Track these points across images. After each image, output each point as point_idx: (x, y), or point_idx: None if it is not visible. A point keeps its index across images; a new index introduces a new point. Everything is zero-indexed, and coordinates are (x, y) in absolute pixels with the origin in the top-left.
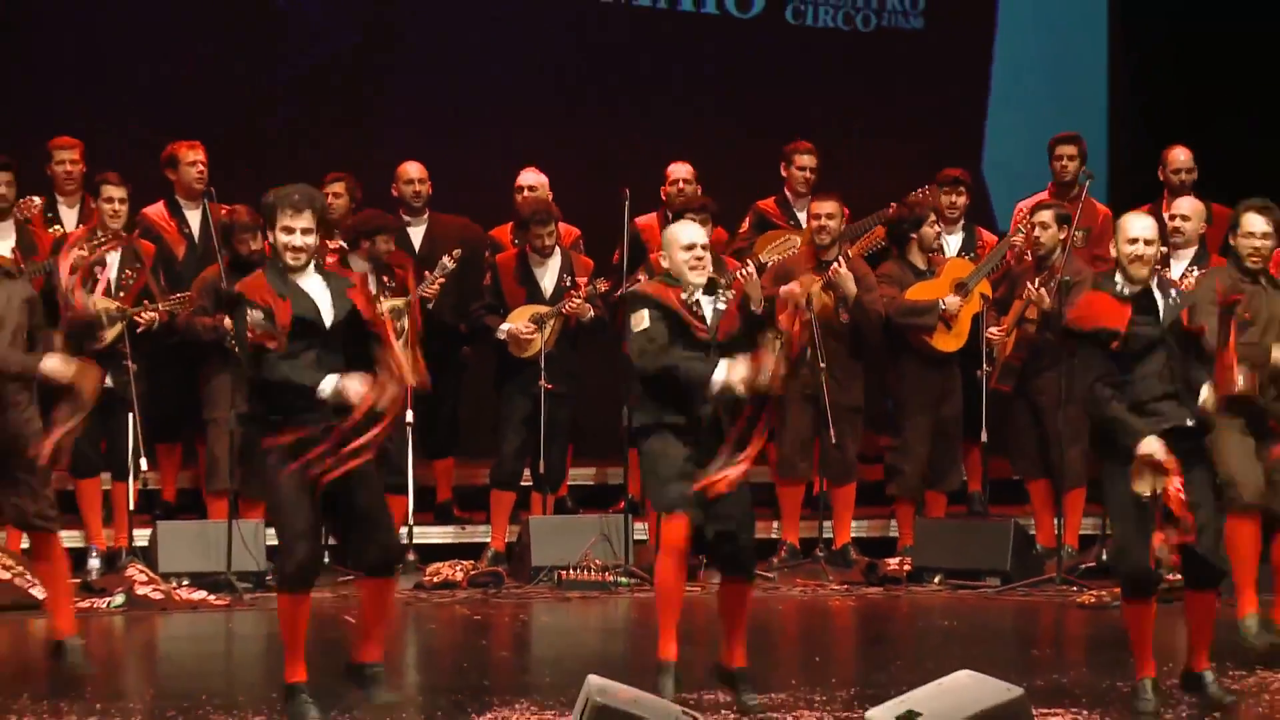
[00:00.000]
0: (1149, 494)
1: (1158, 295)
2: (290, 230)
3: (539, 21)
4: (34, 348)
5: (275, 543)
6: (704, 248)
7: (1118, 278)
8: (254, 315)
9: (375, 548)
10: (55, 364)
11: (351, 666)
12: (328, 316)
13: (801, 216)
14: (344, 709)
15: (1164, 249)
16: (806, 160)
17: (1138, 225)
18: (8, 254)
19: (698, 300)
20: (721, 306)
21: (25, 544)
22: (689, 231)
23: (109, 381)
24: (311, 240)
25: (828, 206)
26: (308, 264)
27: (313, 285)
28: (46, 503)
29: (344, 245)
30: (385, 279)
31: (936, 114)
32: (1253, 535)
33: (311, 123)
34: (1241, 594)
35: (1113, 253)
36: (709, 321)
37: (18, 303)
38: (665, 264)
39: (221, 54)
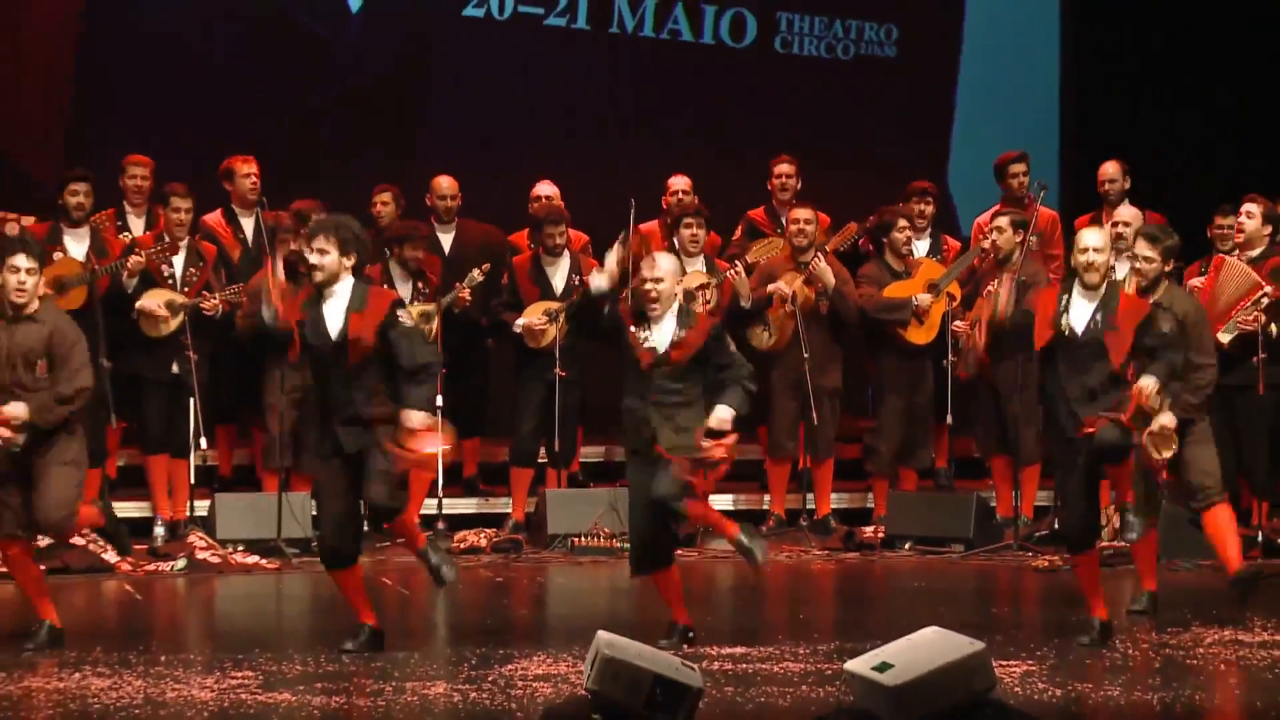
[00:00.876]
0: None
1: (1074, 301)
2: (310, 252)
3: (556, 50)
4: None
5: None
6: (671, 276)
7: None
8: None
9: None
10: None
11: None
12: (335, 333)
13: (787, 223)
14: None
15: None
16: (782, 169)
17: (1089, 237)
18: (82, 257)
19: (646, 337)
20: (682, 334)
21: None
22: (660, 264)
23: (175, 369)
24: (328, 260)
25: (805, 214)
26: (329, 280)
27: (335, 305)
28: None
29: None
30: (420, 285)
31: (907, 132)
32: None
33: (354, 139)
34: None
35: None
36: (658, 352)
37: (37, 342)
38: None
39: (275, 79)
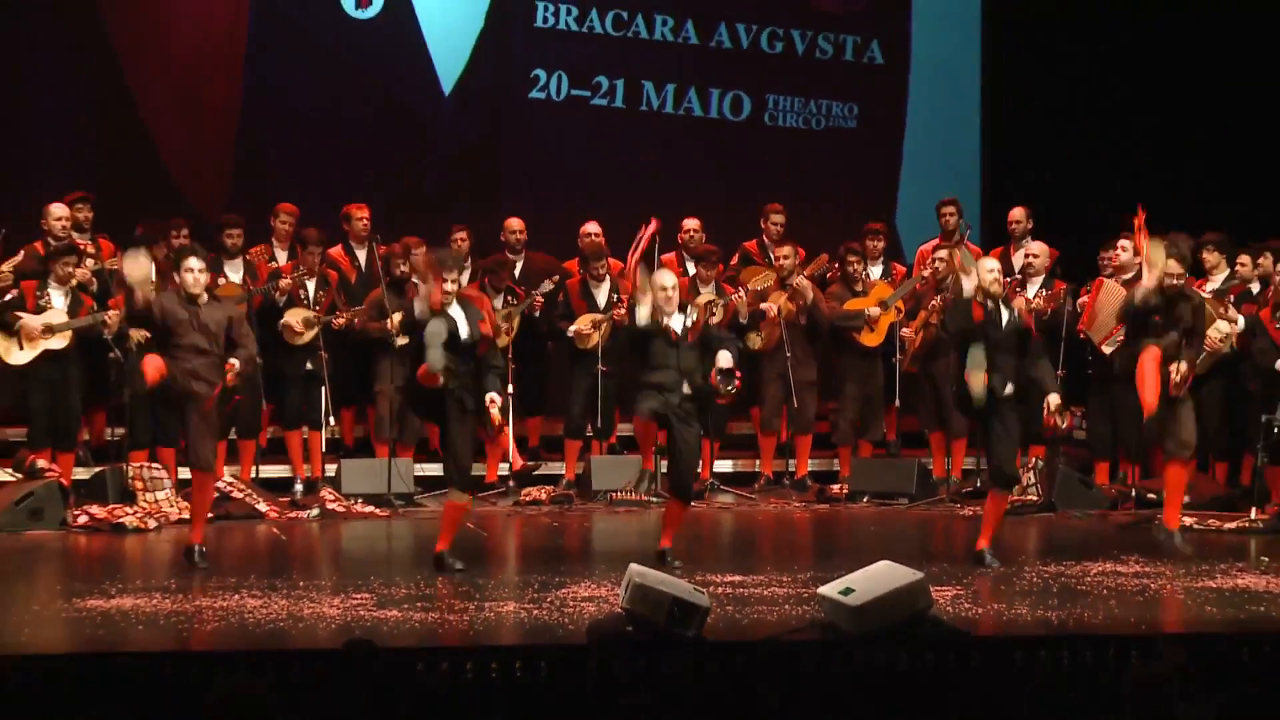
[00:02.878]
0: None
1: (1004, 310)
2: (451, 282)
3: (599, 122)
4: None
5: (420, 473)
6: (674, 288)
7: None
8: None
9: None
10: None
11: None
12: (464, 334)
13: (774, 256)
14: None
15: (1018, 276)
16: (776, 217)
17: (991, 264)
18: (238, 281)
19: (669, 325)
20: (689, 324)
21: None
22: (664, 278)
23: (309, 365)
24: (456, 288)
25: (786, 250)
26: (453, 301)
27: (456, 313)
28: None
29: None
30: (509, 299)
31: (864, 183)
32: (1180, 474)
33: (445, 190)
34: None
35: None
36: (680, 332)
37: (223, 318)
38: (643, 294)
39: (386, 146)
